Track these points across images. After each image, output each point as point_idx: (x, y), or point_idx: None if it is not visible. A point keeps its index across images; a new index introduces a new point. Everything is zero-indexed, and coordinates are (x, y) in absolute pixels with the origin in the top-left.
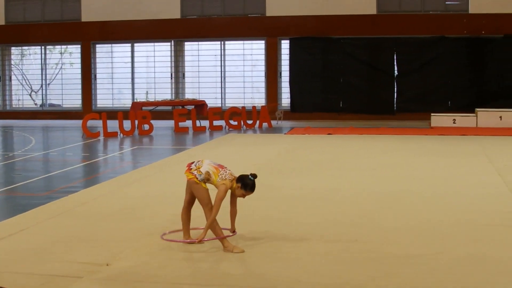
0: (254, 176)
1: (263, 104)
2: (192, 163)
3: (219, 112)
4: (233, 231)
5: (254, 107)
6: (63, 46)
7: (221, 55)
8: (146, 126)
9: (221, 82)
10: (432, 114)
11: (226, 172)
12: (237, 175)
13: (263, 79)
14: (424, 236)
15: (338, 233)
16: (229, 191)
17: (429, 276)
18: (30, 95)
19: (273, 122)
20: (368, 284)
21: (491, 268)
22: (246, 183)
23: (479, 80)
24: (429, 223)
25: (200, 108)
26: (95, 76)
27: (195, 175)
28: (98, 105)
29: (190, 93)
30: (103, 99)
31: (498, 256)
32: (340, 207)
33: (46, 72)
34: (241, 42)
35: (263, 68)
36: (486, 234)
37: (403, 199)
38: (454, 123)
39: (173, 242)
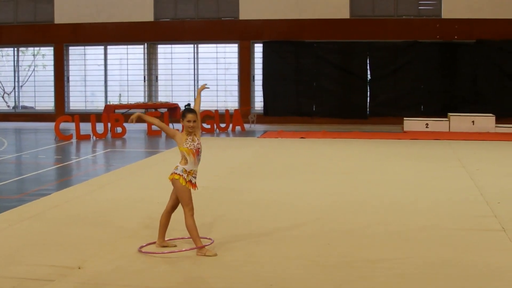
0: (188, 105)
1: (236, 108)
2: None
3: None
4: (210, 238)
5: (227, 110)
6: (36, 48)
7: (194, 58)
8: (119, 129)
9: (194, 85)
10: (405, 118)
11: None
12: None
13: (236, 82)
14: (395, 241)
15: (310, 237)
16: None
17: (400, 280)
18: (2, 97)
19: (246, 126)
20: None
21: (461, 272)
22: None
23: (452, 85)
24: (400, 227)
25: (173, 111)
26: (68, 78)
27: (174, 172)
28: (71, 108)
29: (163, 96)
30: (76, 102)
31: (468, 261)
32: (312, 211)
33: (19, 74)
34: (215, 45)
35: (236, 71)
36: (457, 238)
37: (374, 203)
38: (426, 127)
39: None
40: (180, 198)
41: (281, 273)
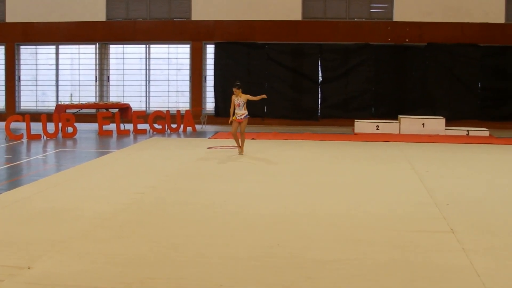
0: (238, 82)
1: (188, 108)
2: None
3: (143, 116)
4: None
5: (178, 111)
6: None
7: (146, 58)
8: (70, 129)
9: (146, 85)
10: (355, 120)
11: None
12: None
13: (187, 83)
14: (345, 242)
15: (260, 239)
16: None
17: (350, 281)
18: None
19: (197, 127)
20: None
21: (410, 273)
22: None
23: (403, 88)
24: (350, 228)
25: (124, 112)
26: (19, 77)
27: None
28: (21, 107)
29: (114, 96)
30: (27, 101)
31: (418, 262)
32: (261, 212)
33: None
34: (166, 46)
35: (188, 72)
36: (406, 240)
37: (324, 204)
38: (377, 129)
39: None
40: (245, 127)
41: (231, 273)
